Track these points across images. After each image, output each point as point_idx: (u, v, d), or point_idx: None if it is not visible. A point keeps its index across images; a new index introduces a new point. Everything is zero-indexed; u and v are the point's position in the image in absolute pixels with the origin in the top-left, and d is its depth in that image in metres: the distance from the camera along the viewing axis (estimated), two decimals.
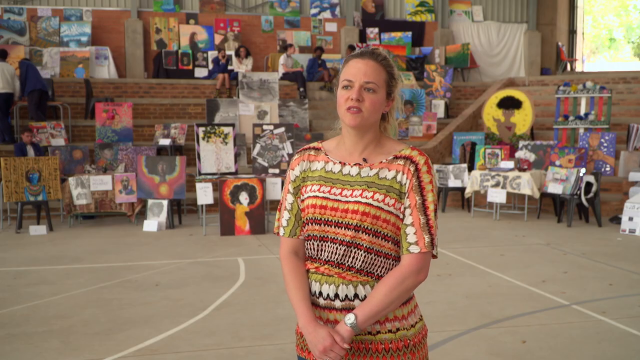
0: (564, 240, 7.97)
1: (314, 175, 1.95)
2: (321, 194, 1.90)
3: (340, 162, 1.93)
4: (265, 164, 9.03)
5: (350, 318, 1.82)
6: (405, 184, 1.86)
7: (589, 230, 8.78)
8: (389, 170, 1.87)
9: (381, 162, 1.89)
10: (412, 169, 1.86)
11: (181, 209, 9.84)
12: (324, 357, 1.82)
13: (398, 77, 1.96)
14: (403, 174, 1.86)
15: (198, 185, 8.52)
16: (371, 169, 1.89)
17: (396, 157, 1.89)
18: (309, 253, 1.96)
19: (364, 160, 1.91)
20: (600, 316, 4.86)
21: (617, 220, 9.10)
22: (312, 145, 2.03)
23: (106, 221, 9.67)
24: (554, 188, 9.23)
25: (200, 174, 8.87)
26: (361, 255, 1.85)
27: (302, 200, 1.95)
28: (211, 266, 6.65)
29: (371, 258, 1.85)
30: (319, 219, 1.89)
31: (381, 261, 1.87)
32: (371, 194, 1.84)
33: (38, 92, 11.38)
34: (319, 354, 1.83)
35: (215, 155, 8.96)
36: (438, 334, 4.41)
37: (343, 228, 1.85)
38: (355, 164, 1.91)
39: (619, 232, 8.50)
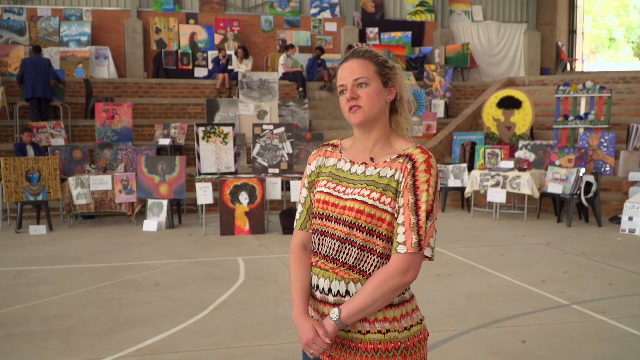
0: (564, 240, 7.97)
1: (326, 171, 2.00)
2: (326, 190, 1.94)
3: (350, 161, 1.97)
4: (265, 164, 9.03)
5: (334, 313, 1.85)
6: (401, 183, 1.86)
7: (589, 230, 8.78)
8: (390, 169, 1.88)
9: (385, 161, 1.91)
10: (409, 167, 1.85)
11: (181, 209, 9.85)
12: (308, 349, 1.88)
13: (393, 65, 1.96)
14: (401, 172, 1.86)
15: (198, 185, 8.51)
16: (375, 169, 1.91)
17: (399, 156, 1.89)
18: (312, 247, 2.00)
19: (371, 159, 1.93)
20: (600, 316, 4.86)
21: (617, 220, 9.10)
22: (331, 142, 2.08)
23: (106, 221, 9.67)
24: (554, 188, 9.23)
25: (200, 174, 8.87)
26: (354, 252, 1.86)
27: (314, 195, 2.00)
28: (211, 266, 6.65)
29: (364, 255, 1.86)
30: (321, 213, 1.93)
31: (374, 260, 1.87)
32: (368, 192, 1.86)
33: (37, 100, 11.27)
34: (303, 346, 1.89)
35: (215, 155, 8.96)
36: (438, 334, 4.41)
37: (340, 224, 1.88)
38: (362, 163, 1.94)
39: (619, 232, 8.50)
